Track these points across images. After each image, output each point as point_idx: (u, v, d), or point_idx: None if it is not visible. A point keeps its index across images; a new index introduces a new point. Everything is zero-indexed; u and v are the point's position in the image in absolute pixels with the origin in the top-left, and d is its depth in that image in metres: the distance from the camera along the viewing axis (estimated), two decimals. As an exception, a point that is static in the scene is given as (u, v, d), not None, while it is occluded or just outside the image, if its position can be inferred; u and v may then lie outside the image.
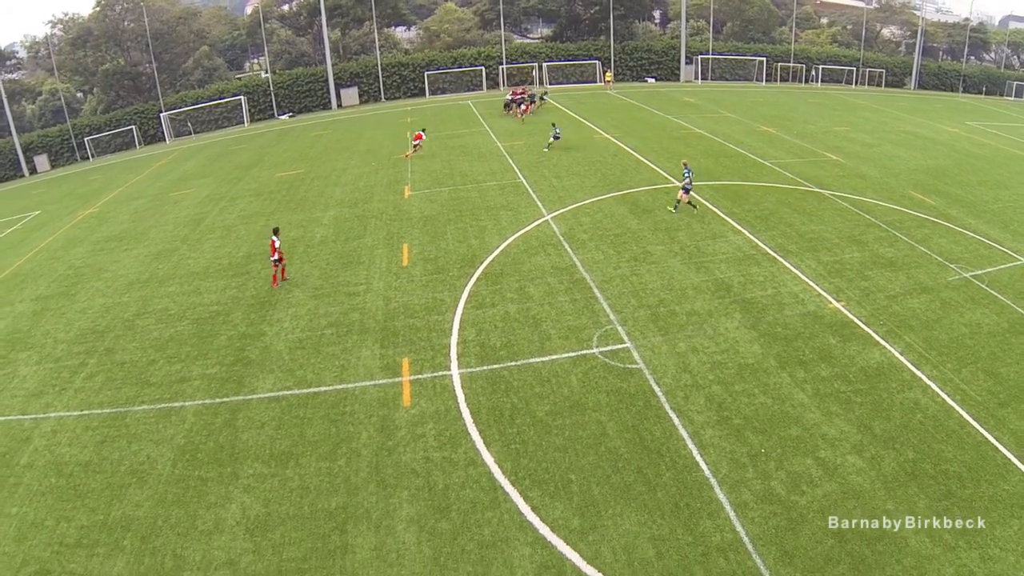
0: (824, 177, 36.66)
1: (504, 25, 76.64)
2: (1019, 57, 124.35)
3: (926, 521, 13.03)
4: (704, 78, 79.97)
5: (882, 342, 19.54)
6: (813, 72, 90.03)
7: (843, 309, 21.43)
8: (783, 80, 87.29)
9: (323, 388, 16.96)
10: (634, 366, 17.36)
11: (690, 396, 16.25)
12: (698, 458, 14.28)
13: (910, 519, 13.07)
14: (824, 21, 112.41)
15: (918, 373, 18.02)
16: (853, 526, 12.75)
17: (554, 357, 17.75)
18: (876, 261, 25.74)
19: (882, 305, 22.15)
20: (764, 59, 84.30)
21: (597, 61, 73.35)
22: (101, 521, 13.11)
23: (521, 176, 34.07)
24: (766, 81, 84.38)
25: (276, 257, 22.56)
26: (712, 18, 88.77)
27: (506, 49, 70.51)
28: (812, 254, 25.77)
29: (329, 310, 20.91)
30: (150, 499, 13.60)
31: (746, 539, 12.36)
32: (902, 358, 18.67)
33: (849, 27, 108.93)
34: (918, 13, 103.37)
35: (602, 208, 29.23)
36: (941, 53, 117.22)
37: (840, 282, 23.54)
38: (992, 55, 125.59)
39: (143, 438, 15.55)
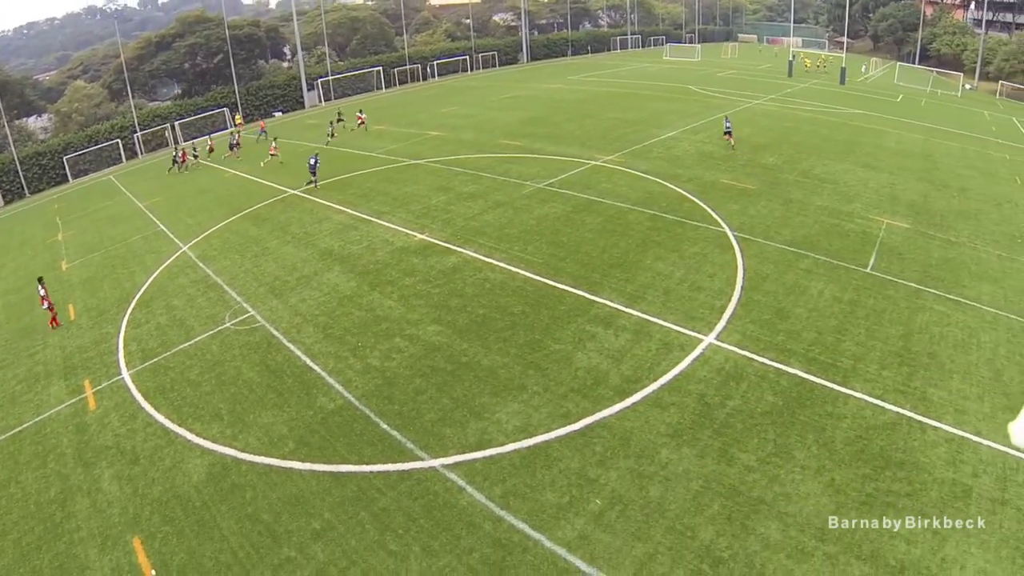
0: (424, 151, 43.77)
1: (133, 93, 76.17)
2: (622, 16, 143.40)
3: (495, 346, 19.43)
4: (328, 99, 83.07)
5: (459, 249, 26.33)
6: (429, 69, 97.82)
7: (427, 238, 27.97)
8: (402, 83, 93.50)
9: (25, 425, 19.55)
10: (257, 325, 22.56)
11: (302, 329, 21.81)
12: (311, 364, 19.81)
13: (482, 351, 19.25)
14: (444, 23, 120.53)
15: (490, 260, 24.98)
16: (438, 365, 18.89)
17: (198, 339, 22.38)
18: (459, 197, 32.63)
19: (461, 225, 28.81)
20: (380, 68, 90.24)
21: (225, 108, 74.74)
22: None
23: (161, 225, 37.07)
24: (386, 87, 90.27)
25: (46, 305, 25.15)
26: (327, 42, 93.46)
27: (138, 116, 70.41)
28: (404, 208, 32.13)
29: (16, 372, 23.15)
30: None
31: (353, 400, 17.85)
32: (476, 255, 25.65)
33: (467, 21, 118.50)
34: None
35: (230, 228, 33.65)
36: (556, 26, 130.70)
37: (426, 220, 30.01)
38: (607, 19, 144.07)
39: None
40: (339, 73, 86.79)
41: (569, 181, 34.18)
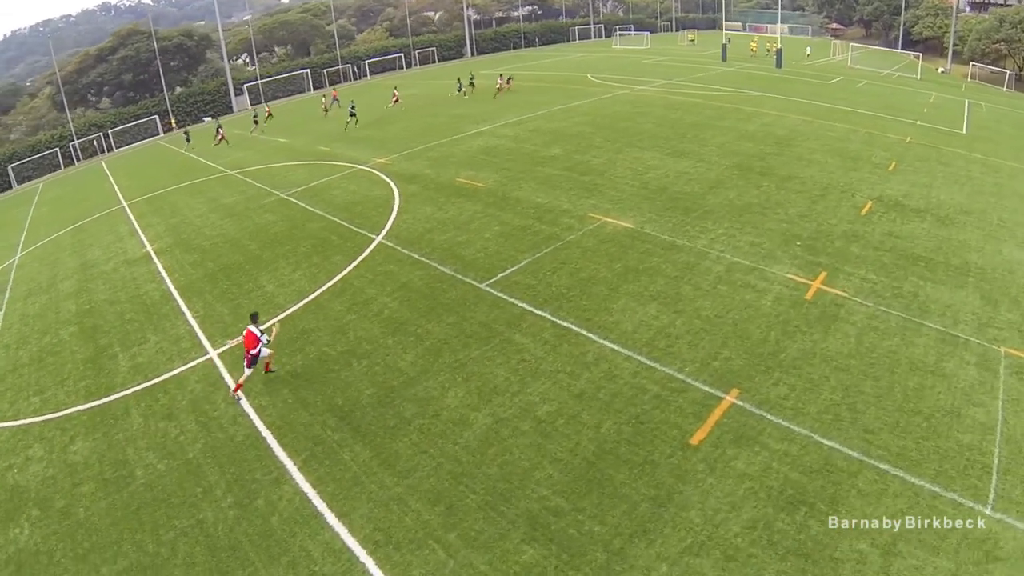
0: (253, 159, 44.70)
1: (78, 104, 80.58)
2: (603, 4, 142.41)
3: (86, 348, 21.46)
4: (258, 102, 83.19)
5: (155, 261, 27.65)
6: (359, 68, 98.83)
7: (148, 249, 29.38)
8: (333, 83, 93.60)
9: None
10: (-5, 327, 25.27)
11: (4, 334, 24.40)
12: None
13: (81, 350, 20.88)
14: (384, 22, 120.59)
15: (161, 271, 26.46)
16: (45, 361, 23.02)
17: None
18: (212, 209, 33.43)
19: (181, 238, 29.72)
20: (308, 71, 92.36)
21: (156, 116, 77.40)
22: None
23: (23, 236, 39.19)
24: (314, 89, 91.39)
25: None
26: (255, 49, 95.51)
27: (76, 126, 74.41)
28: (165, 221, 33.27)
29: None
30: None
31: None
32: (159, 266, 27.02)
33: (436, 14, 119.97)
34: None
35: (56, 239, 36.04)
36: (521, 17, 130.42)
37: (165, 233, 31.10)
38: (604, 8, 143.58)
39: None
40: (267, 77, 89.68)
41: (313, 188, 33.63)
